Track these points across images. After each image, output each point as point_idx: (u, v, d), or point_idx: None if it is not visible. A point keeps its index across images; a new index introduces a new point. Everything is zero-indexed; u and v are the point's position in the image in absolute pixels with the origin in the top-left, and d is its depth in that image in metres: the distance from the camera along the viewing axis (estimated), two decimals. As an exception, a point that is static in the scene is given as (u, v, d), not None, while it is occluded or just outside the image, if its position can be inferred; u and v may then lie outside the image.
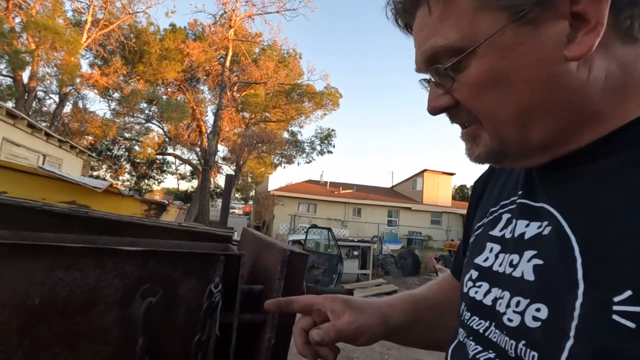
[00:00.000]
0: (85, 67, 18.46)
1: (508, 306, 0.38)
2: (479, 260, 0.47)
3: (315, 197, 22.19)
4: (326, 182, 26.34)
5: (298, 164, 23.46)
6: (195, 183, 25.40)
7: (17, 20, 14.21)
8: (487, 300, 0.42)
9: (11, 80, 14.63)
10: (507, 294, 0.39)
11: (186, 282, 0.64)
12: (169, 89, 21.40)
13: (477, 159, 0.42)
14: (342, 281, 7.21)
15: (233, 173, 20.06)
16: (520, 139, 0.38)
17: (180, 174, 27.70)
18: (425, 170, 25.09)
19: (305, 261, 0.70)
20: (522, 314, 0.36)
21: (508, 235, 0.44)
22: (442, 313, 0.61)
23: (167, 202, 1.92)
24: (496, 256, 0.44)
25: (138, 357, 0.58)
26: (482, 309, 0.42)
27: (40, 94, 16.97)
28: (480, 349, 0.40)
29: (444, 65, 0.38)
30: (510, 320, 0.37)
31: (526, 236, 0.40)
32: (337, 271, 6.98)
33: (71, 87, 16.52)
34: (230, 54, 19.12)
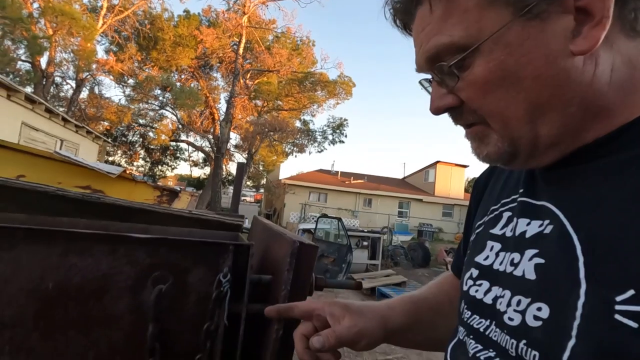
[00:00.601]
0: (100, 53, 18.68)
1: (509, 305, 0.38)
2: (479, 258, 0.47)
3: (326, 187, 22.22)
4: (337, 172, 26.31)
5: (309, 153, 23.48)
6: (207, 170, 25.69)
7: (35, 5, 14.40)
8: (488, 299, 0.42)
9: (30, 65, 14.91)
10: (508, 293, 0.39)
11: (196, 271, 0.65)
12: (182, 76, 21.51)
13: (486, 158, 0.41)
14: (351, 271, 7.25)
15: (245, 161, 20.22)
16: (530, 137, 0.37)
17: (193, 161, 28.04)
18: (437, 161, 24.80)
19: (315, 253, 0.69)
20: (523, 313, 0.35)
21: (509, 234, 0.44)
22: (442, 313, 0.60)
23: (179, 189, 1.94)
24: (497, 254, 0.44)
25: (148, 344, 0.58)
26: (482, 308, 0.42)
27: (57, 79, 17.31)
28: (480, 347, 0.40)
29: (448, 64, 0.37)
30: (511, 319, 0.37)
31: (527, 235, 0.40)
32: (347, 261, 7.01)
33: (87, 73, 16.78)
34: (243, 41, 19.05)
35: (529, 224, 0.41)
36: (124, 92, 19.86)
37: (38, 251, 0.58)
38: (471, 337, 0.42)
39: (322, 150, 23.24)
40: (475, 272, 0.46)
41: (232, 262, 0.63)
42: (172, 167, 29.34)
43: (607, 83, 0.35)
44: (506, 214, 0.46)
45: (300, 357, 0.54)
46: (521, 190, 0.45)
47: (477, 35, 0.35)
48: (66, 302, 0.59)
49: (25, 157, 1.89)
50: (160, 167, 28.49)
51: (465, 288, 0.47)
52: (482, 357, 0.39)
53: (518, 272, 0.38)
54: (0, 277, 0.57)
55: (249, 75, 20.91)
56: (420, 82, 0.47)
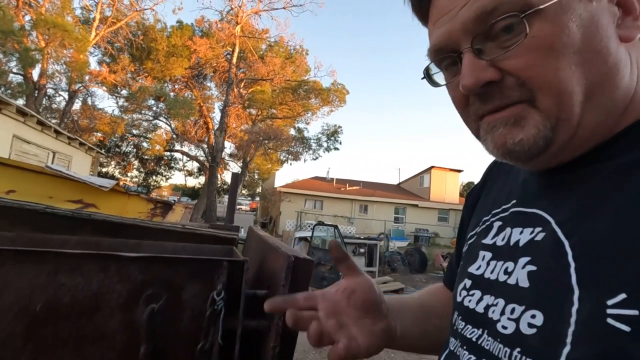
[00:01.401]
0: (93, 65, 18.64)
1: (502, 313, 0.37)
2: (472, 269, 0.46)
3: (322, 194, 22.20)
4: (333, 179, 26.33)
5: (304, 160, 23.42)
6: (202, 179, 25.56)
7: (27, 18, 14.38)
8: (480, 308, 0.41)
9: (22, 77, 14.83)
10: (501, 301, 0.38)
11: (190, 288, 0.64)
12: (176, 86, 21.51)
13: (517, 145, 0.36)
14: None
15: (240, 170, 20.17)
16: (577, 120, 0.35)
17: (187, 171, 27.91)
18: (432, 167, 24.93)
19: (310, 266, 0.69)
20: (517, 321, 0.35)
21: (500, 243, 0.44)
22: (434, 319, 0.59)
23: (173, 202, 1.92)
24: (488, 264, 0.44)
25: (142, 364, 0.57)
26: (474, 317, 0.42)
27: (50, 91, 17.20)
28: (473, 358, 0.39)
29: (523, 13, 0.33)
30: (504, 327, 0.36)
31: (520, 243, 0.40)
32: (343, 268, 6.97)
33: (80, 84, 16.71)
34: (237, 50, 19.13)
35: (521, 232, 0.40)
36: (117, 103, 19.78)
37: (26, 271, 0.57)
38: (465, 347, 0.42)
39: (317, 158, 23.30)
40: (468, 283, 0.46)
41: (226, 278, 0.62)
42: (167, 177, 29.16)
43: (636, 78, 0.36)
44: (497, 224, 0.46)
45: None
46: (513, 201, 0.46)
47: None
48: (56, 322, 0.58)
49: (15, 171, 1.86)
50: (154, 177, 28.30)
51: (459, 299, 0.47)
52: None
53: (512, 280, 0.38)
54: (-13, 299, 0.56)
55: (242, 84, 20.97)
56: (426, 69, 0.43)
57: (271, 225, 21.07)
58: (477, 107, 0.38)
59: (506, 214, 0.46)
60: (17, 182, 1.85)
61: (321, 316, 0.51)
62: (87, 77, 16.40)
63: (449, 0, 0.37)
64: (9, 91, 14.50)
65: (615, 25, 0.35)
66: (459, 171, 25.85)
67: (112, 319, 0.60)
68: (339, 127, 23.01)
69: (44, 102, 16.75)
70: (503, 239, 0.43)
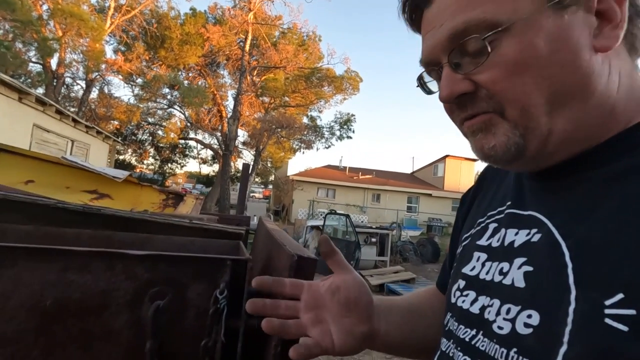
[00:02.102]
0: (109, 53, 18.88)
1: (498, 314, 0.37)
2: (466, 269, 0.46)
3: (334, 183, 22.21)
4: (345, 167, 26.28)
5: (317, 149, 23.48)
6: (216, 167, 25.89)
7: (45, 7, 14.59)
8: (475, 309, 0.41)
9: (40, 67, 15.16)
10: (497, 302, 0.38)
11: (194, 286, 0.65)
12: (190, 74, 21.63)
13: (492, 150, 0.39)
14: (360, 267, 7.26)
15: (253, 157, 20.30)
16: (545, 129, 0.37)
17: (202, 158, 28.31)
18: (447, 155, 24.58)
19: (314, 266, 0.69)
20: (513, 321, 0.35)
21: (495, 244, 0.44)
22: (423, 321, 0.59)
23: (184, 193, 1.95)
24: (483, 265, 0.44)
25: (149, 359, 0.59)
26: (469, 318, 0.42)
27: (68, 80, 17.56)
28: (468, 359, 0.39)
29: (481, 36, 0.36)
30: (500, 327, 0.36)
31: (516, 244, 0.40)
32: (355, 257, 7.02)
33: (97, 73, 16.99)
34: (249, 37, 19.04)
35: (517, 233, 0.41)
36: (132, 91, 20.09)
37: (37, 268, 0.59)
38: (459, 349, 0.41)
39: (329, 146, 23.24)
40: (462, 283, 0.46)
41: (229, 277, 0.63)
42: (182, 164, 29.68)
43: (616, 86, 0.36)
44: (492, 225, 0.47)
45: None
46: (508, 203, 0.46)
47: (512, 14, 0.35)
48: (66, 318, 0.60)
49: (34, 162, 1.92)
50: (169, 164, 28.83)
51: (452, 300, 0.47)
52: None
53: (507, 281, 0.38)
54: (1, 294, 0.58)
55: (255, 72, 20.92)
56: (420, 78, 0.47)
57: (284, 213, 21.27)
58: (456, 114, 0.42)
59: (501, 215, 0.46)
60: (35, 172, 1.91)
61: (301, 307, 0.54)
62: (103, 66, 16.67)
63: (433, 17, 0.40)
64: (29, 80, 14.87)
65: (592, 35, 0.35)
66: (474, 160, 25.36)
67: (119, 316, 0.62)
68: (352, 115, 22.82)
69: (62, 91, 17.12)
70: (498, 240, 0.43)
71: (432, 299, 0.63)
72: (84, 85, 17.61)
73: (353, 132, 22.95)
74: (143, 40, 18.66)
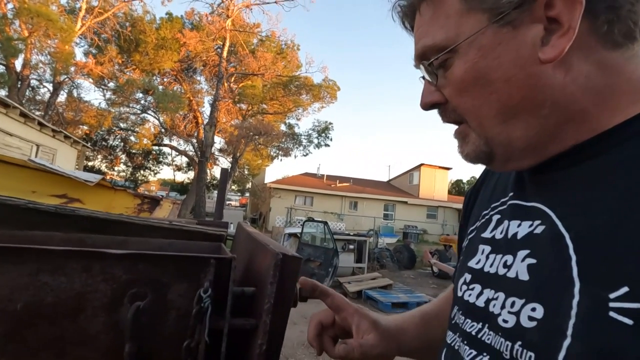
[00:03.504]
0: (79, 56, 18.22)
1: (503, 307, 0.38)
2: (471, 263, 0.47)
3: (312, 190, 22.20)
4: (323, 175, 26.36)
5: (295, 156, 23.44)
6: (191, 174, 25.27)
7: (10, 6, 13.91)
8: (480, 302, 0.42)
9: (3, 67, 14.38)
10: (501, 295, 0.38)
11: (176, 286, 0.63)
12: (165, 79, 21.16)
13: (467, 157, 0.44)
14: (338, 274, 7.24)
15: (229, 165, 20.00)
16: (503, 138, 0.39)
17: (176, 165, 27.58)
18: (422, 164, 25.17)
19: (299, 264, 0.68)
20: (517, 314, 0.35)
21: (498, 236, 0.44)
22: (437, 326, 0.61)
23: (160, 197, 1.89)
24: (487, 257, 0.44)
25: (126, 363, 0.56)
26: (474, 311, 0.42)
27: (33, 82, 16.74)
28: (474, 353, 0.40)
29: (428, 62, 0.41)
30: (505, 321, 0.36)
31: (519, 236, 0.40)
32: (333, 264, 7.00)
33: (65, 76, 16.30)
34: (227, 44, 18.91)
35: (519, 225, 0.41)
36: (104, 95, 19.34)
37: (6, 270, 0.55)
38: (465, 342, 0.42)
39: (307, 154, 23.28)
40: (468, 277, 0.46)
41: (213, 276, 0.62)
42: (155, 171, 28.76)
43: (580, 89, 0.36)
44: (495, 217, 0.47)
45: (309, 340, 0.59)
46: (511, 194, 0.46)
47: (455, 38, 0.38)
48: (37, 323, 0.56)
49: (-3, 165, 1.81)
50: (142, 171, 27.88)
51: (459, 294, 0.47)
52: None
53: (511, 274, 0.38)
54: (-35, 298, 0.54)
55: (233, 78, 20.75)
56: (419, 79, 0.50)
57: (261, 221, 21.00)
58: (442, 119, 0.46)
59: (504, 207, 0.46)
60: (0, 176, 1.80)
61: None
62: (72, 69, 15.99)
63: (415, 32, 0.44)
64: (-10, 82, 14.06)
65: (539, 45, 0.36)
66: (448, 169, 26.15)
67: (95, 319, 0.59)
68: (330, 123, 23.01)
69: (27, 93, 16.29)
70: (502, 232, 0.44)
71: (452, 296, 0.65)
72: (51, 88, 16.82)
73: (331, 140, 23.13)
74: (116, 43, 18.09)
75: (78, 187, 1.91)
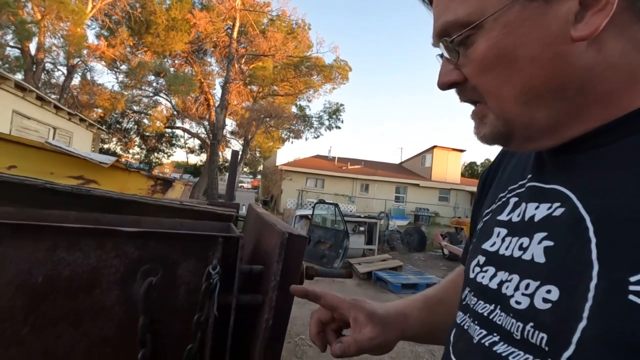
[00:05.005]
0: (91, 38, 18.27)
1: (517, 289, 0.37)
2: (486, 245, 0.46)
3: (323, 173, 22.21)
4: (334, 158, 26.29)
5: (306, 139, 23.34)
6: (204, 157, 25.56)
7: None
8: (493, 284, 0.41)
9: (19, 51, 14.57)
10: (515, 277, 0.38)
11: (185, 263, 0.65)
12: (176, 61, 21.12)
13: (483, 138, 0.42)
14: (348, 256, 7.33)
15: (241, 147, 20.10)
16: (525, 119, 0.38)
17: (189, 148, 27.87)
18: (435, 146, 24.79)
19: (304, 243, 0.70)
20: (531, 296, 0.35)
21: (515, 219, 0.43)
22: (442, 308, 0.61)
23: (173, 178, 1.93)
24: (502, 240, 0.43)
25: (139, 335, 0.59)
26: (487, 293, 0.42)
27: (48, 65, 16.92)
28: (484, 332, 0.40)
29: (451, 39, 0.39)
30: (518, 302, 0.36)
31: (536, 218, 0.39)
32: (343, 246, 7.08)
33: (78, 59, 16.42)
34: (237, 24, 18.65)
35: (537, 207, 0.40)
36: (116, 78, 19.48)
37: (25, 246, 0.58)
38: (476, 322, 0.42)
39: (318, 136, 23.15)
40: (482, 259, 0.46)
41: (221, 254, 0.64)
42: (168, 154, 29.16)
43: (612, 69, 0.35)
44: (513, 200, 0.46)
45: (312, 340, 0.58)
46: (529, 176, 0.45)
47: (480, 14, 0.36)
48: (55, 296, 0.59)
49: (16, 147, 1.86)
50: (156, 154, 28.30)
51: (471, 275, 0.47)
52: (486, 343, 0.39)
53: (527, 256, 0.38)
54: (-12, 272, 0.57)
55: (243, 60, 20.57)
56: (436, 57, 0.48)
57: (272, 203, 21.23)
58: (460, 98, 0.44)
59: (522, 189, 0.45)
60: (18, 157, 1.86)
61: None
62: (85, 51, 16.09)
63: (435, 8, 0.43)
64: (7, 65, 14.29)
65: (572, 22, 0.33)
66: (462, 151, 25.71)
67: (110, 293, 0.62)
68: (341, 105, 22.69)
69: (42, 77, 16.52)
70: (519, 215, 0.43)
71: (459, 279, 0.63)
72: (65, 72, 17.02)
73: (342, 122, 22.90)
74: (127, 25, 18.06)
75: (94, 169, 1.96)
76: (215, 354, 0.66)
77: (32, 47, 14.65)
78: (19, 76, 13.25)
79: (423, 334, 0.61)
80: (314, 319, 0.60)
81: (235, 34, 18.68)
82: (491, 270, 0.43)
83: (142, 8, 17.79)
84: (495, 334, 0.38)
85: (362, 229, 8.56)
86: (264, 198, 23.07)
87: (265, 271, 0.73)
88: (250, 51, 20.18)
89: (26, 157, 1.92)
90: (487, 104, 0.40)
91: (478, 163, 45.34)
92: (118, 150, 25.13)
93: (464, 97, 0.43)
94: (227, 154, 23.14)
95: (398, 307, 0.62)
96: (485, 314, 0.41)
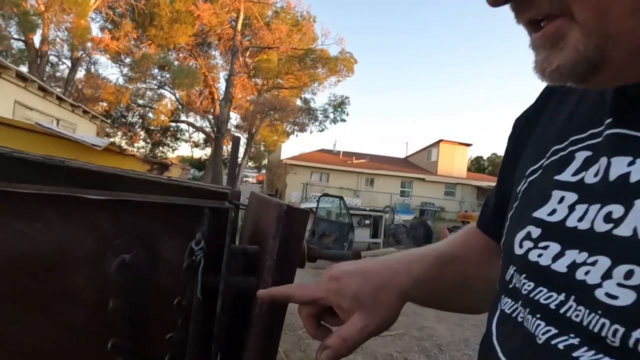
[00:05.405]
0: (95, 31, 18.23)
1: (607, 277, 0.27)
2: (540, 213, 0.36)
3: (328, 167, 22.12)
4: (339, 152, 26.18)
5: (311, 132, 23.25)
6: (209, 151, 25.53)
7: (25, -20, 13.89)
8: (560, 267, 0.31)
9: (23, 44, 14.58)
10: (604, 260, 0.28)
11: (167, 239, 0.56)
12: (180, 55, 21.05)
13: (555, 72, 0.29)
14: (353, 249, 7.26)
15: (245, 141, 20.06)
16: (633, 38, 0.26)
17: (194, 142, 27.93)
18: (440, 140, 24.59)
19: (306, 218, 0.60)
20: (637, 289, 0.25)
21: (591, 180, 0.32)
22: (472, 276, 0.52)
23: (170, 162, 1.84)
24: (571, 208, 0.33)
25: (111, 321, 0.50)
26: (552, 278, 0.32)
27: (52, 58, 16.95)
28: (555, 331, 0.30)
29: None
30: (612, 296, 0.26)
31: (632, 179, 0.29)
32: (348, 239, 7.00)
33: (82, 52, 16.41)
34: (241, 16, 18.51)
35: (632, 162, 0.29)
36: (121, 71, 19.46)
37: (-27, 215, 0.49)
38: (538, 316, 0.32)
39: (323, 130, 23.03)
40: (536, 231, 0.35)
41: (207, 227, 0.54)
42: (173, 148, 29.23)
43: None
44: (582, 154, 0.35)
45: (313, 338, 0.51)
46: (608, 121, 0.33)
47: None
48: (14, 275, 0.50)
49: (5, 129, 1.78)
50: (161, 148, 28.38)
51: (519, 251, 0.36)
52: (560, 346, 0.29)
53: (624, 232, 0.28)
54: None
55: (248, 52, 20.44)
56: None
57: (277, 197, 21.23)
58: (520, 17, 0.31)
59: (598, 139, 0.34)
60: (8, 139, 1.78)
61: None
62: (89, 44, 16.07)
63: None
64: (11, 58, 14.31)
65: None
66: (468, 145, 25.46)
67: (77, 273, 0.52)
68: (346, 97, 22.54)
69: (47, 69, 16.53)
70: (596, 174, 0.32)
71: (478, 245, 0.54)
72: (69, 65, 17.03)
73: (347, 115, 22.73)
74: (131, 17, 17.97)
75: (88, 152, 1.88)
76: (203, 345, 0.57)
77: (37, 39, 14.65)
78: (23, 69, 13.26)
79: (430, 295, 0.51)
80: (304, 317, 0.51)
81: (239, 26, 18.55)
82: (554, 247, 0.33)
83: (145, 0, 17.69)
84: (572, 335, 0.28)
85: (367, 222, 8.47)
86: (268, 192, 23.07)
87: (262, 251, 0.64)
88: (254, 44, 20.04)
89: (17, 140, 1.83)
90: (571, 16, 0.28)
91: (485, 157, 44.97)
92: (123, 144, 25.22)
93: (530, 12, 0.30)
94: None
95: (400, 263, 0.50)
96: (553, 305, 0.31)
